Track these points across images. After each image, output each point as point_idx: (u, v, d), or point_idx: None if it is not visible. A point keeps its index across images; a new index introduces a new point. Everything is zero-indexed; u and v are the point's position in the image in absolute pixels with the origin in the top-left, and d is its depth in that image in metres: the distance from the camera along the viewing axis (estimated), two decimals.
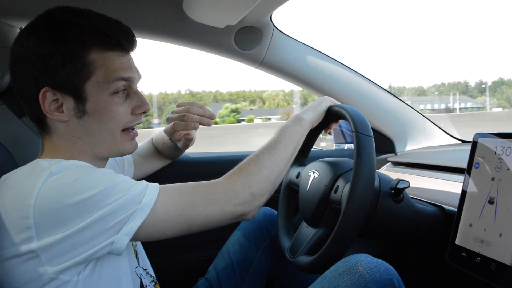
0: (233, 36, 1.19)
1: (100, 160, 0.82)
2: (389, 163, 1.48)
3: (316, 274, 1.19)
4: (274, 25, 1.22)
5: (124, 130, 0.80)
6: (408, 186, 0.85)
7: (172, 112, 1.09)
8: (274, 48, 1.24)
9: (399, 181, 0.85)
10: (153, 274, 0.93)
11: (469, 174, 0.82)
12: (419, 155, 1.41)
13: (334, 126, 1.05)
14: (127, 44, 0.78)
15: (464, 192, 0.82)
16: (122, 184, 0.69)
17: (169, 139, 1.16)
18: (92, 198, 0.65)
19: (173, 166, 1.30)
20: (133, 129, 0.82)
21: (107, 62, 0.75)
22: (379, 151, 1.50)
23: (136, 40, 0.80)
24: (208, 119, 1.05)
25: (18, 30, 1.11)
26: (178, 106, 1.09)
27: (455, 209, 0.91)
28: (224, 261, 1.17)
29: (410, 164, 1.39)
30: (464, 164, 1.13)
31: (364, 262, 0.75)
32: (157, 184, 0.73)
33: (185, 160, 1.37)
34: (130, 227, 0.67)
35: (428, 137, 1.49)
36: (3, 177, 0.73)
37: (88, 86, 0.74)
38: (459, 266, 0.79)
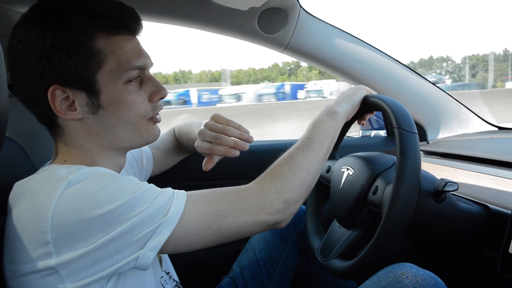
0: (256, 19, 1.10)
1: (121, 155, 0.77)
2: (421, 152, 1.39)
3: (351, 280, 1.13)
4: (300, 6, 1.12)
5: (149, 119, 0.75)
6: (457, 189, 0.77)
7: (205, 126, 0.94)
8: (300, 31, 1.15)
9: (446, 183, 0.77)
10: (176, 278, 0.88)
11: None
12: (453, 144, 1.33)
13: (369, 117, 0.97)
14: (134, 26, 0.71)
15: None
16: (147, 194, 0.63)
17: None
18: (115, 211, 0.60)
19: (193, 157, 1.24)
20: (156, 114, 0.77)
21: (116, 48, 0.68)
22: None
23: (141, 21, 0.73)
24: (244, 143, 0.91)
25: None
26: (213, 119, 0.94)
27: (503, 210, 0.84)
28: (249, 259, 1.12)
29: (444, 154, 1.30)
30: (505, 157, 1.06)
31: (411, 274, 0.68)
32: (184, 192, 0.67)
33: None
34: (156, 241, 0.62)
35: (463, 124, 1.40)
36: (17, 184, 0.68)
37: (100, 77, 0.67)
38: None
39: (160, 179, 1.00)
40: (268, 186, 0.70)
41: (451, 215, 0.85)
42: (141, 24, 0.73)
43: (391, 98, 0.83)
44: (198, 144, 0.95)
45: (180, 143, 1.16)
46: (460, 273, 1.08)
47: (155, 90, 0.74)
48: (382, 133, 1.53)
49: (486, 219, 0.88)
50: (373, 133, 1.57)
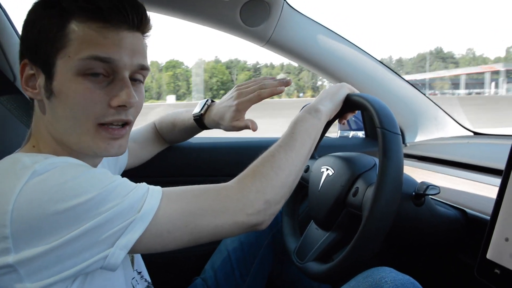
0: (238, 10, 1.06)
1: (83, 157, 0.67)
2: None
3: (328, 283, 1.11)
4: (285, 0, 1.09)
5: (101, 124, 0.64)
6: (439, 193, 0.75)
7: (238, 89, 0.97)
8: (283, 26, 1.12)
9: (428, 186, 0.75)
10: (148, 278, 0.83)
11: (507, 179, 0.73)
12: (430, 148, 1.33)
13: (350, 116, 0.95)
14: (118, 17, 0.62)
15: (499, 200, 0.73)
16: (119, 188, 0.58)
17: (195, 120, 1.04)
18: (83, 205, 0.54)
19: (172, 153, 1.20)
20: (113, 125, 0.65)
21: (85, 34, 0.61)
22: None
23: (140, 16, 0.64)
24: (287, 81, 0.95)
25: None
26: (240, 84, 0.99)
27: (480, 214, 0.84)
28: (222, 259, 1.08)
29: (421, 157, 1.30)
30: (481, 161, 1.06)
31: (390, 278, 0.66)
32: (159, 188, 0.62)
33: (185, 146, 1.26)
34: (127, 240, 0.57)
35: (440, 128, 1.40)
36: None
37: (58, 60, 0.62)
38: (490, 283, 0.71)
39: (135, 174, 0.95)
40: (248, 186, 0.67)
41: (430, 219, 0.84)
42: (129, 17, 0.63)
43: (375, 97, 0.81)
44: (240, 100, 0.95)
45: (160, 134, 1.13)
46: (434, 277, 1.08)
47: (118, 94, 0.63)
48: (361, 134, 1.52)
49: (463, 224, 0.87)
50: (351, 133, 1.56)
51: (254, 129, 0.94)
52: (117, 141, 0.66)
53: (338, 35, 1.19)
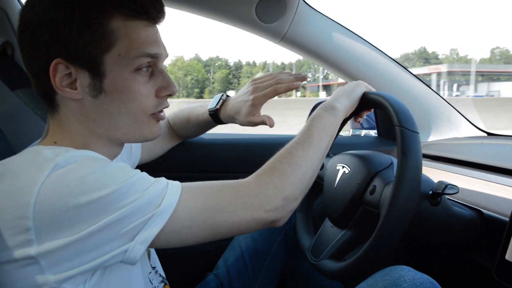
0: (254, 7, 1.06)
1: (116, 146, 0.72)
2: None
3: (343, 281, 1.11)
4: None
5: (152, 114, 0.69)
6: (457, 192, 0.75)
7: (253, 83, 0.98)
8: (298, 22, 1.11)
9: (446, 185, 0.75)
10: (163, 273, 0.84)
11: None
12: (443, 148, 1.32)
13: (366, 114, 0.94)
14: (155, 13, 0.66)
15: None
16: (139, 182, 0.59)
17: (210, 114, 1.05)
18: (104, 198, 0.55)
19: (184, 148, 1.20)
20: (160, 111, 0.71)
21: (131, 32, 0.63)
22: None
23: (164, 10, 0.68)
24: (303, 76, 0.95)
25: None
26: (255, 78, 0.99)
27: (497, 215, 0.83)
28: (235, 256, 1.08)
29: (434, 157, 1.29)
30: (496, 162, 1.05)
31: (408, 277, 0.66)
32: (178, 183, 0.63)
33: (198, 142, 1.26)
34: (147, 234, 0.57)
35: (454, 128, 1.39)
36: None
37: (107, 59, 0.62)
38: (510, 285, 0.71)
39: (147, 169, 0.95)
40: (266, 182, 0.67)
41: (446, 219, 0.83)
42: (163, 13, 0.67)
43: (392, 95, 0.80)
44: (256, 95, 0.96)
45: (174, 130, 1.13)
46: (447, 277, 1.07)
47: (164, 85, 0.69)
48: (373, 132, 1.51)
49: (479, 224, 0.86)
50: (363, 132, 1.55)
51: (271, 125, 0.94)
52: (160, 122, 0.72)
53: (353, 32, 1.19)
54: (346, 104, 0.82)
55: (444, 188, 0.74)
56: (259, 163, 1.25)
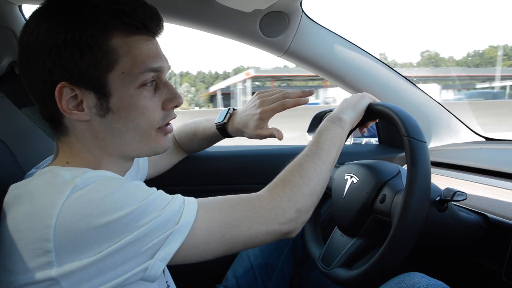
0: (258, 22, 1.08)
1: (128, 161, 0.73)
2: None
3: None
4: (303, 11, 1.11)
5: (158, 128, 0.70)
6: (466, 199, 0.77)
7: (260, 97, 0.99)
8: (301, 36, 1.14)
9: (455, 192, 0.77)
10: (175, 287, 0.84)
11: None
12: (444, 154, 1.34)
13: (371, 125, 0.96)
14: (154, 27, 0.66)
15: None
16: (157, 201, 0.60)
17: (218, 128, 1.06)
18: (124, 218, 0.56)
19: (186, 160, 1.21)
20: (167, 124, 0.72)
21: (132, 49, 0.63)
22: (401, 147, 1.42)
23: (163, 22, 0.69)
24: (310, 91, 0.97)
25: (17, 8, 0.98)
26: (261, 92, 1.01)
27: (502, 219, 0.85)
28: (244, 267, 1.09)
29: (435, 163, 1.31)
30: (496, 167, 1.08)
31: (422, 284, 0.67)
32: (194, 199, 0.64)
33: (199, 155, 1.27)
34: (166, 252, 0.58)
35: (453, 134, 1.41)
36: (13, 186, 0.62)
37: (112, 78, 0.63)
38: None
39: (155, 183, 0.96)
40: (280, 195, 0.68)
41: (452, 224, 0.85)
42: (162, 25, 0.68)
43: (398, 106, 0.83)
44: (264, 109, 0.96)
45: (180, 145, 1.14)
46: (454, 282, 1.09)
47: (169, 97, 0.70)
48: (374, 141, 1.54)
49: (485, 228, 0.88)
50: (364, 140, 1.58)
51: (280, 138, 0.96)
52: (168, 135, 0.73)
53: (354, 44, 1.21)
54: (352, 116, 0.84)
55: (452, 195, 0.76)
56: (264, 174, 1.27)
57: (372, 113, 0.87)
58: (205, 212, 0.62)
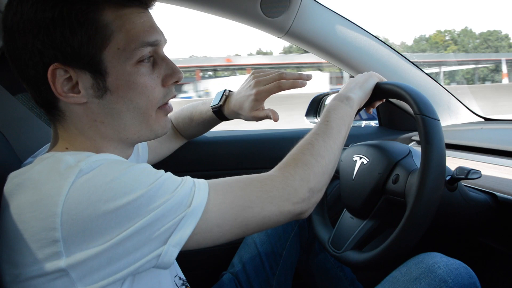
0: (259, 1, 1.05)
1: (127, 147, 0.69)
2: (414, 142, 1.40)
3: (370, 271, 1.11)
4: None
5: (159, 108, 0.66)
6: (480, 177, 0.76)
7: (255, 76, 0.95)
8: (302, 16, 1.10)
9: (469, 170, 0.76)
10: (183, 276, 0.82)
11: None
12: (446, 134, 1.33)
13: (378, 104, 0.95)
14: None
15: None
16: (167, 183, 0.57)
17: (214, 111, 1.02)
18: (134, 202, 0.53)
19: (187, 146, 1.18)
20: (167, 103, 0.68)
21: (125, 22, 0.60)
22: (402, 129, 1.42)
23: None
24: (307, 76, 0.92)
25: None
26: (256, 72, 0.96)
27: (510, 197, 0.85)
28: (250, 253, 1.07)
29: None
30: (499, 145, 1.07)
31: (442, 264, 0.67)
32: (204, 181, 0.61)
33: (200, 140, 1.25)
34: (179, 236, 0.55)
35: (453, 115, 1.41)
36: (13, 174, 0.59)
37: (107, 55, 0.59)
38: None
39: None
40: (292, 174, 0.66)
41: (462, 204, 0.85)
42: None
43: (408, 85, 0.81)
44: (259, 89, 0.92)
45: (177, 130, 1.11)
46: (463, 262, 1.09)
47: (169, 73, 0.66)
48: (373, 123, 1.53)
49: (494, 207, 0.88)
50: (363, 123, 1.57)
51: (276, 119, 0.93)
52: (168, 117, 0.70)
53: (355, 24, 1.19)
54: (360, 95, 0.82)
55: (467, 173, 0.75)
56: (266, 158, 1.25)
57: (380, 92, 0.85)
58: (216, 194, 0.60)
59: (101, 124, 0.63)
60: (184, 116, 1.09)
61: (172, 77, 0.66)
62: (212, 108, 1.02)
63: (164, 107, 0.68)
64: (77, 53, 0.58)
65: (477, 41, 60.96)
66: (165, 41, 0.66)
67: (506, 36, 59.92)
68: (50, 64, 0.58)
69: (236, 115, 1.00)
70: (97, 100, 0.61)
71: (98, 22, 0.58)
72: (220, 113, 1.02)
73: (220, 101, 1.01)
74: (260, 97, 0.92)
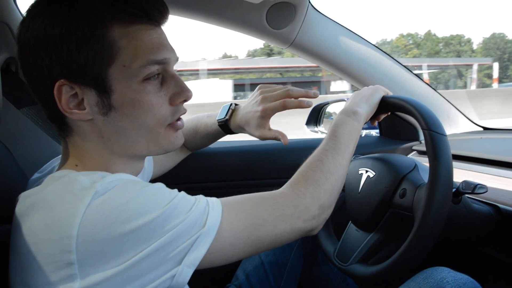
0: (265, 13, 1.05)
1: (138, 161, 0.69)
2: (414, 151, 1.41)
3: (376, 285, 1.12)
4: (310, 2, 1.09)
5: (168, 124, 0.66)
6: (487, 191, 0.77)
7: (262, 92, 0.92)
8: (307, 28, 1.11)
9: (476, 185, 0.76)
10: None
11: None
12: None
13: (383, 117, 0.95)
14: (157, 14, 0.61)
15: None
16: (181, 203, 0.57)
17: (220, 125, 1.00)
18: (150, 224, 0.53)
19: (191, 158, 1.18)
20: (178, 119, 0.68)
21: (133, 40, 0.59)
22: (403, 139, 1.42)
23: (167, 9, 0.64)
24: (314, 93, 0.89)
25: (12, 1, 0.92)
26: (263, 87, 0.94)
27: None
28: (254, 264, 1.07)
29: None
30: (500, 156, 1.09)
31: (450, 279, 0.67)
32: (217, 200, 0.61)
33: (203, 152, 1.25)
34: (194, 256, 0.56)
35: (453, 124, 1.42)
36: (25, 194, 0.58)
37: (112, 72, 0.58)
38: None
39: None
40: (303, 192, 0.66)
41: (466, 216, 0.86)
42: (166, 12, 0.63)
43: (414, 99, 0.82)
44: (265, 106, 0.90)
45: (184, 146, 1.10)
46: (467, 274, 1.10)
47: (178, 91, 0.65)
48: (374, 132, 1.54)
49: (497, 219, 0.89)
50: (364, 132, 1.57)
51: (285, 143, 0.91)
52: (180, 131, 0.69)
53: (359, 36, 1.20)
54: (366, 109, 0.83)
55: (474, 188, 0.76)
56: (268, 169, 1.25)
57: (387, 106, 0.86)
58: (229, 213, 0.60)
59: (108, 141, 0.63)
60: (189, 128, 1.09)
61: (181, 95, 0.65)
62: (218, 122, 1.01)
63: (175, 124, 0.67)
64: (82, 70, 0.57)
65: (440, 45, 60.79)
66: (176, 59, 0.65)
67: (469, 41, 59.75)
68: (57, 80, 0.58)
69: (242, 130, 0.99)
70: (102, 118, 0.61)
71: (105, 39, 0.57)
72: (226, 127, 1.01)
73: (226, 115, 1.00)
74: (265, 114, 0.90)
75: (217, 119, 1.02)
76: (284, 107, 0.88)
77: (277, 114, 0.91)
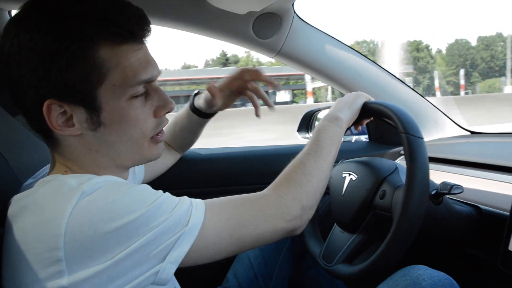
0: (251, 24, 1.09)
1: (123, 171, 0.71)
2: (402, 156, 1.44)
3: (360, 283, 1.14)
4: (295, 12, 1.13)
5: (151, 137, 0.69)
6: (462, 192, 0.80)
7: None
8: (293, 37, 1.15)
9: (452, 186, 0.79)
10: None
11: None
12: (432, 148, 1.37)
13: (366, 122, 0.99)
14: (141, 33, 0.63)
15: None
16: (165, 203, 0.60)
17: (192, 110, 1.04)
18: (134, 222, 0.55)
19: (182, 164, 1.21)
20: (159, 133, 0.70)
21: (122, 60, 0.61)
22: (392, 144, 1.45)
23: (150, 24, 0.65)
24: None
25: (7, 14, 0.96)
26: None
27: (494, 210, 0.88)
28: (244, 267, 1.09)
29: None
30: (485, 159, 1.11)
31: (426, 276, 0.70)
32: (201, 201, 0.64)
33: (194, 157, 1.27)
34: (177, 254, 0.58)
35: (440, 129, 1.45)
36: (17, 197, 0.61)
37: (101, 92, 0.60)
38: None
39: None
40: (285, 193, 0.69)
41: (447, 217, 0.88)
42: (149, 28, 0.65)
43: (393, 104, 0.85)
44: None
45: (168, 143, 1.13)
46: (448, 272, 1.12)
47: (161, 104, 0.68)
48: (363, 138, 1.57)
49: (478, 220, 0.92)
50: (353, 138, 1.60)
51: (257, 115, 0.98)
52: (161, 143, 0.72)
53: (344, 44, 1.24)
54: (348, 115, 0.86)
55: (450, 188, 0.79)
56: (256, 175, 1.28)
57: (368, 111, 0.89)
58: (212, 213, 0.63)
59: (97, 153, 0.65)
60: (169, 125, 1.10)
61: (165, 108, 0.68)
62: (189, 107, 1.04)
63: (155, 138, 0.69)
64: (72, 90, 0.59)
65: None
66: (159, 72, 0.68)
67: (427, 47, 59.01)
68: (45, 99, 0.59)
69: (209, 107, 1.02)
70: (91, 133, 0.63)
71: (94, 60, 0.59)
72: (198, 111, 1.04)
73: (194, 98, 1.05)
74: (220, 84, 0.98)
75: (188, 105, 1.06)
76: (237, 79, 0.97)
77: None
